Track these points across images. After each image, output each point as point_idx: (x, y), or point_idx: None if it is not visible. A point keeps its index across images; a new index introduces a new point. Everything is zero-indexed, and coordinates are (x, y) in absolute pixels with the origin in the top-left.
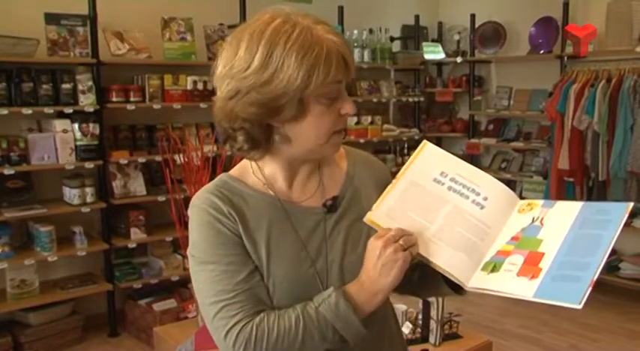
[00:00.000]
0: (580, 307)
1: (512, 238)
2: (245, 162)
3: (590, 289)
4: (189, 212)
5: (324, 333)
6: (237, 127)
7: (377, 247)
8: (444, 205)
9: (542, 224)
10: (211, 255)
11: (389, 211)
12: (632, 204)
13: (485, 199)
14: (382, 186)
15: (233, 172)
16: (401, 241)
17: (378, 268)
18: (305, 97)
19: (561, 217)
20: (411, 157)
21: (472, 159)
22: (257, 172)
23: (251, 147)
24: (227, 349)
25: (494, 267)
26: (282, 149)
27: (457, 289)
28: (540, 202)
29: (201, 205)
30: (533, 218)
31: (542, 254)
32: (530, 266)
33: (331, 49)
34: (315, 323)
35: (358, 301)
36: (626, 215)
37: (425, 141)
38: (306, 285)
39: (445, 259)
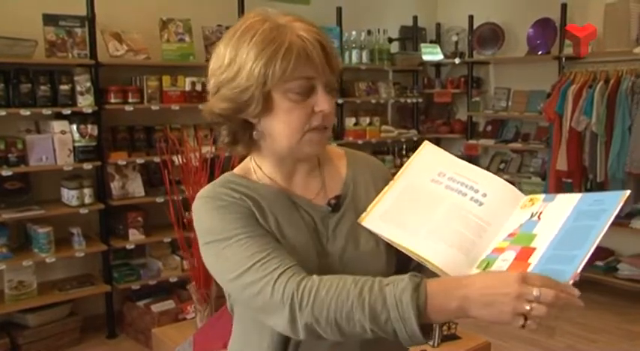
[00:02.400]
0: None
1: (510, 235)
2: (246, 162)
3: (571, 282)
4: (196, 204)
5: (376, 313)
6: (216, 121)
7: (511, 290)
8: (441, 203)
9: (539, 219)
10: (232, 229)
11: (384, 213)
12: (628, 192)
13: (485, 195)
14: (381, 185)
15: (236, 171)
16: (529, 306)
17: (483, 298)
18: (268, 92)
19: (558, 211)
20: (410, 158)
21: (470, 160)
22: (258, 171)
23: (232, 141)
24: (276, 308)
25: (487, 264)
26: (264, 146)
27: None
28: (542, 196)
29: (209, 195)
30: (532, 213)
31: (534, 249)
32: (520, 262)
33: (293, 44)
34: (373, 298)
35: (430, 301)
36: (620, 204)
37: (426, 141)
38: None
39: (440, 257)
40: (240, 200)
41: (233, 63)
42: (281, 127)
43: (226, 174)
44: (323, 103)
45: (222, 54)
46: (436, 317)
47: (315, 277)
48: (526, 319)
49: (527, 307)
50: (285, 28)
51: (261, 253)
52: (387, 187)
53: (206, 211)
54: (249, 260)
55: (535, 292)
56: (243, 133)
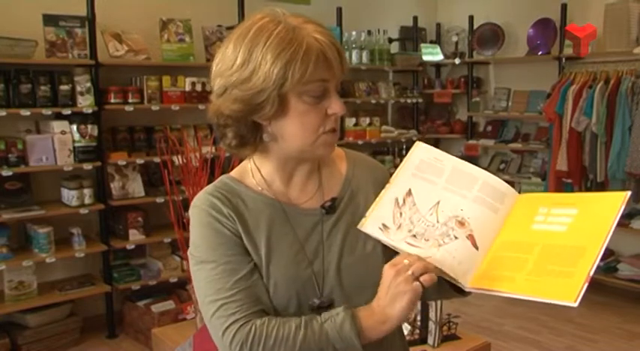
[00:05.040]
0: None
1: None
2: (245, 163)
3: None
4: (190, 213)
5: (322, 349)
6: (224, 123)
7: (389, 276)
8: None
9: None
10: (211, 254)
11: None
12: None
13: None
14: (381, 187)
15: (233, 173)
16: (410, 271)
17: (387, 298)
18: (285, 94)
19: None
20: (404, 159)
21: (470, 160)
22: (256, 174)
23: (239, 144)
24: (224, 348)
25: None
26: (273, 148)
27: (461, 290)
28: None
29: (201, 206)
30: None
31: None
32: None
33: (312, 46)
34: (316, 337)
35: (365, 326)
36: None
37: (417, 142)
38: (304, 286)
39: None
40: (229, 218)
41: (246, 64)
42: (295, 129)
43: (223, 177)
44: (336, 106)
45: (231, 54)
46: (373, 336)
47: (260, 326)
48: (422, 285)
49: (410, 273)
50: (300, 30)
51: (227, 291)
52: (383, 191)
53: (195, 223)
54: (213, 295)
55: (405, 261)
56: (252, 135)
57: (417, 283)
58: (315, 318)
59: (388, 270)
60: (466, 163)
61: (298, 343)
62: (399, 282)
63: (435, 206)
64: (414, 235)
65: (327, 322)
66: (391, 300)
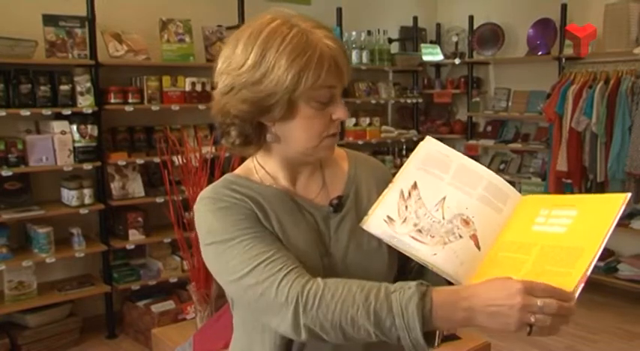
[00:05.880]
0: None
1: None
2: (247, 162)
3: (579, 289)
4: (197, 206)
5: (380, 319)
6: (229, 122)
7: (513, 300)
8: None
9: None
10: (235, 231)
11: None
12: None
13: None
14: (383, 186)
15: (237, 172)
16: (534, 319)
17: (490, 309)
18: (294, 98)
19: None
20: (412, 153)
21: None
22: (260, 171)
23: (243, 143)
24: (279, 309)
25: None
26: (275, 148)
27: None
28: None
29: (210, 195)
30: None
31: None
32: None
33: (324, 53)
34: (378, 304)
35: (435, 311)
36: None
37: (427, 136)
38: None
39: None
40: (242, 201)
41: (258, 66)
42: (300, 132)
43: (227, 175)
44: (341, 111)
45: (242, 54)
46: (441, 326)
47: (319, 279)
48: (531, 327)
49: (532, 319)
50: (312, 36)
51: (264, 253)
52: (386, 190)
53: (207, 212)
54: (252, 261)
55: (539, 302)
56: (256, 135)
57: (528, 329)
58: (382, 285)
59: (517, 294)
60: (472, 161)
61: (356, 305)
62: (514, 316)
63: (441, 202)
64: (419, 230)
65: (395, 292)
66: (490, 315)
